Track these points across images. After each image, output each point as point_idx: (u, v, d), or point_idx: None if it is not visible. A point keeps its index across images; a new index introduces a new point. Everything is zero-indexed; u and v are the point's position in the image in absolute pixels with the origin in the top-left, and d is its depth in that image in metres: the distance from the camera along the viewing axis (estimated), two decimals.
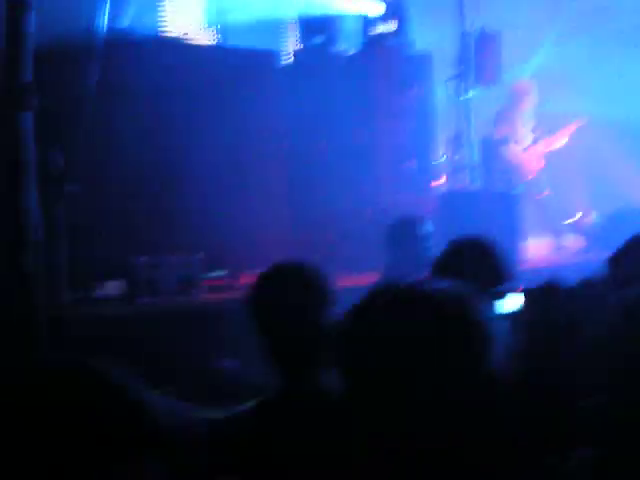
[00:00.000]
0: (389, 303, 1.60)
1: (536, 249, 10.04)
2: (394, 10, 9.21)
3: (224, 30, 7.68)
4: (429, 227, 6.02)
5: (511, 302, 2.15)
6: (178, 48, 7.20)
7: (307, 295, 2.66)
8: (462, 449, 1.54)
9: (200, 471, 2.66)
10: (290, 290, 2.68)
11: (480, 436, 1.56)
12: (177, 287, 6.14)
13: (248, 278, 7.41)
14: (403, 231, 5.96)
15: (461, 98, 9.50)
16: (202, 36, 8.54)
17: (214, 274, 7.21)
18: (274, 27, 11.12)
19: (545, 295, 2.14)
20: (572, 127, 11.04)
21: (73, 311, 5.98)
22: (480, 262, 2.88)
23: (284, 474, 2.46)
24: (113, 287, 6.35)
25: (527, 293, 2.14)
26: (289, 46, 10.46)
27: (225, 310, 6.02)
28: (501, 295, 2.16)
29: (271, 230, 7.20)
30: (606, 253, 9.14)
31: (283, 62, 8.96)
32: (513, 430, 1.69)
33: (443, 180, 9.88)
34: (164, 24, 8.17)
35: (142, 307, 5.99)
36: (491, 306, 2.10)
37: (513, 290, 2.17)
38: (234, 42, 8.00)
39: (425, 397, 1.52)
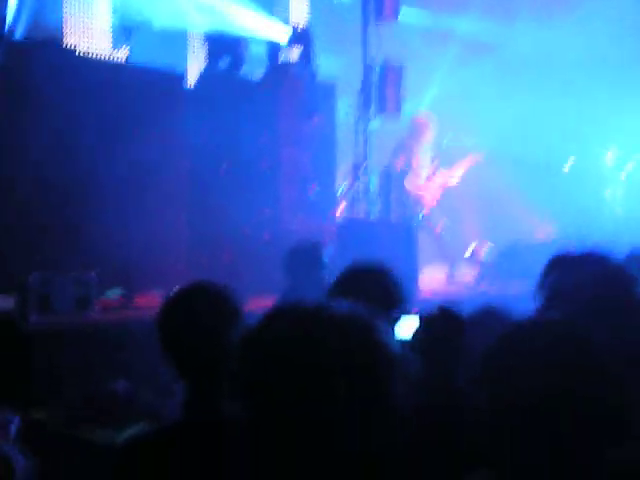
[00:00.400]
0: (292, 324, 1.60)
1: (431, 279, 10.23)
2: (300, 38, 9.31)
3: (131, 47, 7.61)
4: (330, 253, 6.09)
5: (405, 327, 2.20)
6: (85, 63, 7.09)
7: (215, 316, 2.65)
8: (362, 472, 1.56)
9: None
10: (198, 311, 2.67)
11: (383, 459, 1.59)
12: (71, 306, 6.01)
13: (144, 299, 7.37)
14: (305, 256, 6.01)
15: (362, 128, 9.64)
16: (109, 52, 8.47)
17: (110, 294, 7.11)
18: (180, 47, 11.13)
19: (441, 320, 2.20)
20: (469, 161, 11.31)
21: None
22: (376, 287, 2.89)
23: None
24: (3, 302, 6.17)
25: (422, 318, 2.20)
26: (195, 67, 10.46)
27: (120, 331, 5.95)
28: (396, 319, 2.20)
29: (169, 251, 7.15)
30: (498, 284, 9.32)
31: (188, 84, 8.94)
32: (413, 454, 1.73)
33: (342, 208, 9.99)
34: (69, 36, 8.08)
35: (33, 326, 5.83)
36: (391, 330, 2.14)
37: (407, 314, 2.22)
38: (140, 59, 7.95)
39: (327, 420, 1.53)
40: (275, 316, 1.63)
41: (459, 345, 2.19)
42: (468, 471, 1.90)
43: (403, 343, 2.10)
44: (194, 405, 2.64)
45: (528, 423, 1.66)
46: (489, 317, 3.36)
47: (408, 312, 2.23)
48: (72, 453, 3.96)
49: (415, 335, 2.17)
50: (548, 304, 2.54)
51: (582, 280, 2.60)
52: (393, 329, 2.14)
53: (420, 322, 2.18)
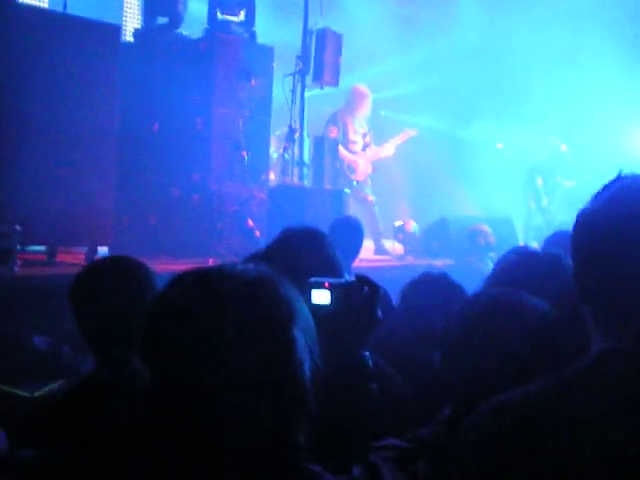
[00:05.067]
0: (192, 282, 1.60)
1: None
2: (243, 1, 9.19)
3: None
4: None
5: (322, 295, 2.20)
6: (16, 8, 6.87)
7: (123, 289, 2.76)
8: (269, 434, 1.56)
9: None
10: (107, 285, 2.78)
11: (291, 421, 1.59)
12: None
13: (67, 255, 7.25)
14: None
15: (299, 94, 9.58)
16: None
17: (31, 248, 6.97)
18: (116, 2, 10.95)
19: (352, 289, 2.21)
20: (402, 138, 11.37)
21: None
22: (309, 251, 2.89)
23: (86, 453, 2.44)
24: None
25: (333, 286, 2.20)
26: (131, 23, 10.28)
27: (41, 286, 5.84)
28: (316, 285, 2.20)
29: (95, 208, 7.00)
30: (424, 259, 9.47)
31: (124, 39, 8.77)
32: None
33: (273, 175, 9.96)
34: None
35: None
36: (307, 293, 2.15)
37: (324, 282, 2.22)
38: (75, 11, 7.75)
39: (234, 375, 1.52)
40: (179, 277, 1.63)
41: (371, 315, 2.23)
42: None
43: (316, 308, 2.10)
44: (105, 363, 2.75)
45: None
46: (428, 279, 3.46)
47: (325, 280, 2.22)
48: None
49: (328, 303, 2.19)
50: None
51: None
52: (310, 293, 2.15)
53: (331, 289, 2.19)
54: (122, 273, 2.81)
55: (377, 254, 10.54)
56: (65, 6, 7.32)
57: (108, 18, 8.46)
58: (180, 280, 1.62)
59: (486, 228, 9.51)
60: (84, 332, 2.81)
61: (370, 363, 2.32)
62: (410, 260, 10.06)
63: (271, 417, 1.56)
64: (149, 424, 1.67)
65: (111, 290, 2.76)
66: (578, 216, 1.74)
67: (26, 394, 3.81)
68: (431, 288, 3.57)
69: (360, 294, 2.25)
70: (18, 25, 6.56)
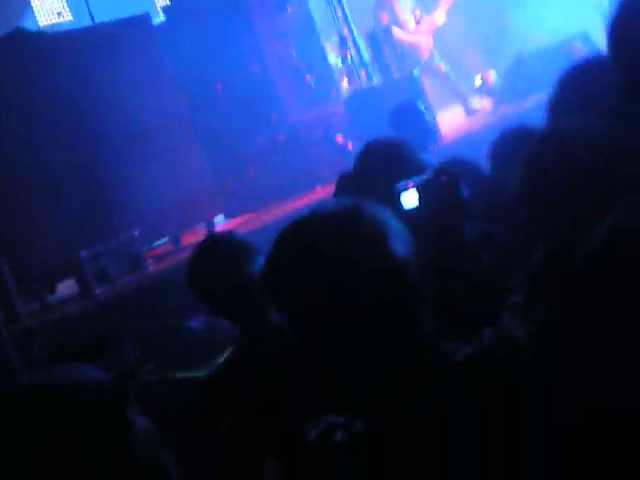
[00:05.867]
0: (294, 241, 1.81)
1: (450, 118, 10.31)
2: None
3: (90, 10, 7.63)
4: None
5: (411, 196, 2.36)
6: (43, 43, 7.13)
7: (235, 262, 3.01)
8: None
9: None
10: (219, 261, 3.06)
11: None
12: (126, 268, 6.28)
13: (190, 237, 7.61)
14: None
15: (335, 1, 9.59)
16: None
17: (156, 244, 7.37)
18: None
19: (433, 182, 2.35)
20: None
21: (36, 321, 6.07)
22: (390, 165, 3.05)
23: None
24: (65, 288, 6.45)
25: (417, 184, 2.34)
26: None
27: (178, 275, 6.18)
28: (403, 188, 2.37)
29: (196, 186, 7.33)
30: (514, 105, 9.30)
31: (157, 20, 8.96)
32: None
33: (345, 84, 10.02)
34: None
35: (101, 297, 6.11)
36: (397, 200, 2.32)
37: (409, 183, 2.38)
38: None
39: (356, 310, 1.73)
40: (278, 239, 1.83)
41: (458, 200, 2.36)
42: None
43: (408, 212, 2.27)
44: (247, 328, 3.06)
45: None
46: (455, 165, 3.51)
47: (411, 182, 2.38)
48: (170, 396, 4.28)
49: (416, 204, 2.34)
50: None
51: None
52: (398, 202, 2.31)
53: (417, 190, 2.34)
54: (220, 259, 3.07)
55: (469, 115, 10.52)
56: (92, 17, 7.55)
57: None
58: (281, 240, 1.83)
59: (576, 45, 9.24)
60: (213, 310, 3.14)
61: (474, 238, 2.48)
62: (502, 109, 9.99)
63: (398, 319, 1.76)
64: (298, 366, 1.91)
65: (223, 262, 3.04)
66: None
67: (203, 373, 4.13)
68: (515, 143, 3.60)
69: (440, 185, 2.40)
70: (58, 53, 6.83)
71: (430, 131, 6.21)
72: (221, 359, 3.40)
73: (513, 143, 3.54)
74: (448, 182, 2.37)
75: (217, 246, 3.16)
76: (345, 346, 1.76)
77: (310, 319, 1.77)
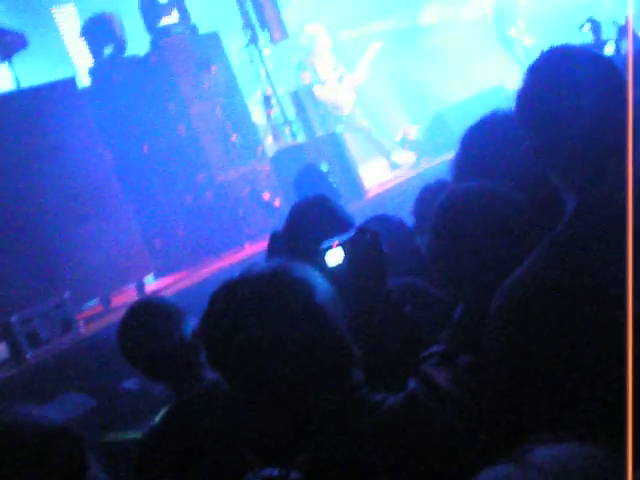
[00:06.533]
0: (225, 304, 1.90)
1: (374, 173, 10.54)
2: (170, 1, 9.36)
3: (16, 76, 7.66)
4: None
5: (336, 254, 2.46)
6: None
7: (164, 328, 3.11)
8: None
9: None
10: (147, 329, 3.13)
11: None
12: (58, 331, 6.27)
13: (120, 297, 7.62)
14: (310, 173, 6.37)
15: (259, 61, 9.77)
16: None
17: (87, 305, 7.36)
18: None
19: (357, 241, 2.46)
20: (370, 55, 11.51)
21: None
22: (316, 222, 3.16)
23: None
24: None
25: (341, 243, 2.45)
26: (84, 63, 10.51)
27: (108, 335, 6.19)
28: (327, 247, 2.47)
29: (125, 247, 7.36)
30: (434, 160, 9.55)
31: (82, 84, 9.03)
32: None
33: (269, 142, 10.19)
34: None
35: (33, 361, 6.08)
36: (322, 258, 2.41)
37: (333, 242, 2.48)
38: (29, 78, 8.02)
39: (287, 371, 1.83)
40: (217, 295, 1.93)
41: (381, 257, 2.46)
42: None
43: (334, 270, 2.37)
44: (181, 387, 3.12)
45: None
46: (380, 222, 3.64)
47: (334, 241, 2.48)
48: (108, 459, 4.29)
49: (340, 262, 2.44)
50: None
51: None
52: (323, 260, 2.40)
53: (342, 248, 2.45)
54: (147, 327, 3.13)
55: (393, 170, 10.76)
56: (18, 82, 7.59)
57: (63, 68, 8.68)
58: (215, 300, 1.93)
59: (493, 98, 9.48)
60: (143, 372, 3.22)
61: (396, 292, 2.59)
62: (425, 164, 10.26)
63: (327, 374, 1.87)
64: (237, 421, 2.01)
65: (145, 343, 3.11)
66: (520, 88, 1.92)
67: (136, 436, 4.15)
68: (433, 200, 3.73)
69: (364, 243, 2.51)
70: None
71: (334, 192, 6.26)
72: (155, 419, 3.45)
73: (432, 200, 3.69)
74: (370, 240, 2.48)
75: (145, 313, 3.19)
76: (279, 401, 1.86)
77: (245, 376, 1.87)
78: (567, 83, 1.86)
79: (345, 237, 2.52)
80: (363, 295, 2.50)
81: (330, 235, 2.59)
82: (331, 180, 6.51)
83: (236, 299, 1.89)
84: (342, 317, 1.94)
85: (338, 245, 2.47)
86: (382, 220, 3.51)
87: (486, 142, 2.71)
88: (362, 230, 2.53)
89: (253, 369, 1.85)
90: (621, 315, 1.46)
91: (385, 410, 1.87)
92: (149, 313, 3.17)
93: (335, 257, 2.45)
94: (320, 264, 2.34)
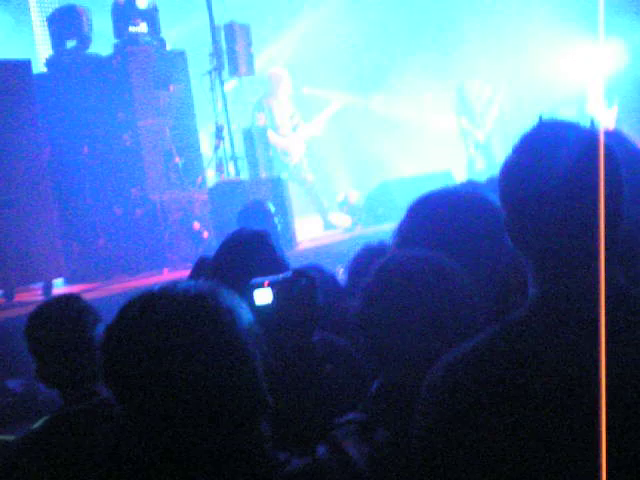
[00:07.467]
0: (140, 315, 1.72)
1: (308, 228, 10.47)
2: (144, 11, 9.24)
3: None
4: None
5: (264, 294, 2.34)
6: None
7: (81, 322, 2.94)
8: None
9: None
10: (66, 316, 2.97)
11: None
12: None
13: (25, 294, 7.33)
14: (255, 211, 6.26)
15: (219, 91, 9.67)
16: None
17: None
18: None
19: (290, 283, 2.33)
20: (329, 112, 11.51)
21: None
22: (260, 255, 3.02)
23: None
24: None
25: (273, 284, 2.32)
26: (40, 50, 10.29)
27: (4, 328, 5.92)
28: (257, 286, 2.34)
29: (42, 242, 7.09)
30: (370, 228, 9.57)
31: (37, 71, 8.79)
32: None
33: (211, 174, 10.04)
34: None
35: None
36: (249, 295, 2.28)
37: (264, 281, 2.35)
38: None
39: (190, 402, 1.66)
40: (127, 306, 1.75)
41: (314, 306, 2.35)
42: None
43: (260, 308, 2.24)
44: (71, 397, 2.91)
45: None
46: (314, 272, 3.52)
47: (265, 280, 2.36)
48: None
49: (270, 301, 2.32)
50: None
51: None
52: (251, 297, 2.28)
53: (271, 288, 2.32)
54: (67, 315, 2.96)
55: (326, 229, 10.70)
56: None
57: (21, 52, 8.48)
58: (128, 309, 1.74)
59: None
60: (42, 371, 2.98)
61: (319, 348, 2.46)
62: (359, 230, 10.24)
63: (233, 416, 1.70)
64: (122, 446, 1.82)
65: (59, 331, 2.92)
66: (501, 167, 1.79)
67: (9, 437, 3.92)
68: (372, 261, 3.64)
69: (299, 287, 2.38)
70: None
71: (277, 233, 6.21)
72: (35, 425, 3.22)
73: (370, 261, 3.58)
74: (307, 285, 2.36)
75: (67, 302, 3.05)
76: (176, 434, 1.69)
77: (144, 399, 1.68)
78: (551, 166, 1.76)
79: (278, 278, 2.40)
80: (286, 342, 2.36)
81: (263, 273, 2.46)
82: (276, 221, 6.37)
83: (153, 312, 1.71)
84: (261, 359, 1.78)
85: (269, 285, 2.35)
86: (317, 270, 3.37)
87: (436, 213, 2.58)
88: (299, 273, 2.40)
89: (156, 393, 1.66)
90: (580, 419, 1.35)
91: (287, 473, 1.71)
92: (69, 304, 3.03)
93: (263, 296, 2.33)
94: (247, 300, 2.20)
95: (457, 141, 12.57)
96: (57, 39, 9.12)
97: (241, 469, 1.70)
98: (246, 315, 1.80)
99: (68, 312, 2.98)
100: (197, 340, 1.68)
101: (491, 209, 2.41)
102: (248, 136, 9.86)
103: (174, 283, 1.80)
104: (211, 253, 3.34)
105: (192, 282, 1.82)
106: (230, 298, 1.79)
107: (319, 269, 3.54)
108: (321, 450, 1.88)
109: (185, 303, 1.72)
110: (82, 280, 8.19)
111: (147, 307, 1.72)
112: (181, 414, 1.66)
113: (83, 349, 2.83)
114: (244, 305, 1.84)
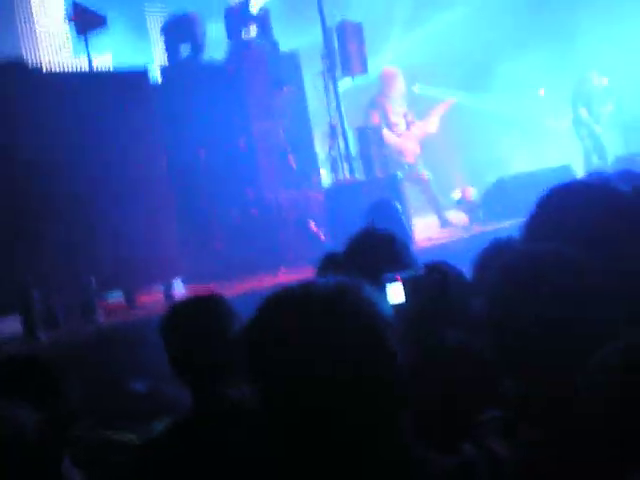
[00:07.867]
0: (284, 308, 1.68)
1: (425, 227, 10.34)
2: (256, 15, 9.32)
3: (90, 54, 7.62)
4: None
5: (396, 289, 2.27)
6: (48, 79, 7.08)
7: (215, 324, 2.86)
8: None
9: None
10: (199, 322, 2.89)
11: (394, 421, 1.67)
12: (76, 314, 6.08)
13: (147, 297, 7.44)
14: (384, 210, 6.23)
15: (332, 91, 9.66)
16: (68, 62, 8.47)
17: (110, 296, 7.18)
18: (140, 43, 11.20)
19: (422, 279, 2.26)
20: (442, 109, 11.37)
21: None
22: (383, 253, 2.97)
23: None
24: (7, 325, 6.18)
25: (405, 279, 2.26)
26: (157, 59, 10.49)
27: (128, 331, 6.01)
28: (390, 280, 2.27)
29: (161, 246, 7.20)
30: (490, 224, 9.40)
31: (154, 79, 8.95)
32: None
33: (324, 174, 10.05)
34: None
35: (46, 341, 5.86)
36: (382, 291, 2.21)
37: (397, 276, 2.28)
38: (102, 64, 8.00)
39: (336, 395, 1.60)
40: (269, 303, 1.70)
41: (447, 302, 2.27)
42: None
43: (395, 307, 2.17)
44: (202, 398, 2.83)
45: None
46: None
47: (394, 276, 2.29)
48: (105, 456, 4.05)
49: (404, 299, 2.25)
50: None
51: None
52: (385, 294, 2.21)
53: (403, 285, 2.24)
54: (207, 311, 2.91)
55: (443, 227, 10.55)
56: (90, 63, 7.52)
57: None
58: (270, 304, 1.70)
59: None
60: (176, 369, 2.93)
61: (451, 342, 2.38)
62: (477, 229, 10.04)
63: (374, 412, 1.63)
64: (260, 447, 1.77)
65: (197, 327, 2.86)
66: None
67: (133, 437, 3.95)
68: (501, 255, 3.49)
69: (431, 283, 2.31)
70: (49, 93, 6.75)
71: (406, 231, 6.14)
72: (160, 427, 3.20)
73: (498, 256, 3.45)
74: (440, 280, 2.29)
75: (210, 301, 2.98)
76: (318, 431, 1.63)
77: (286, 394, 1.63)
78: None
79: (409, 273, 2.33)
80: (418, 340, 2.29)
81: (392, 270, 2.40)
82: (404, 219, 6.30)
83: (298, 306, 1.67)
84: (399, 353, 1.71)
85: (401, 280, 2.28)
86: (445, 265, 3.28)
87: (570, 206, 2.44)
88: (431, 268, 2.33)
89: (303, 386, 1.61)
90: None
91: (438, 470, 1.64)
92: (213, 303, 2.96)
93: (395, 292, 2.27)
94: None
95: (571, 134, 12.33)
96: (172, 48, 9.29)
97: (380, 465, 1.64)
98: (387, 307, 1.75)
99: (216, 308, 2.93)
100: (342, 333, 1.63)
101: (628, 203, 2.26)
102: (363, 135, 9.81)
103: (311, 280, 1.77)
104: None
105: (332, 278, 1.77)
106: (371, 291, 1.74)
107: (447, 265, 3.45)
108: (467, 449, 1.83)
109: (329, 298, 1.67)
110: (199, 281, 8.27)
111: (292, 304, 1.69)
112: (326, 407, 1.61)
113: (224, 347, 2.77)
114: (383, 298, 1.80)
